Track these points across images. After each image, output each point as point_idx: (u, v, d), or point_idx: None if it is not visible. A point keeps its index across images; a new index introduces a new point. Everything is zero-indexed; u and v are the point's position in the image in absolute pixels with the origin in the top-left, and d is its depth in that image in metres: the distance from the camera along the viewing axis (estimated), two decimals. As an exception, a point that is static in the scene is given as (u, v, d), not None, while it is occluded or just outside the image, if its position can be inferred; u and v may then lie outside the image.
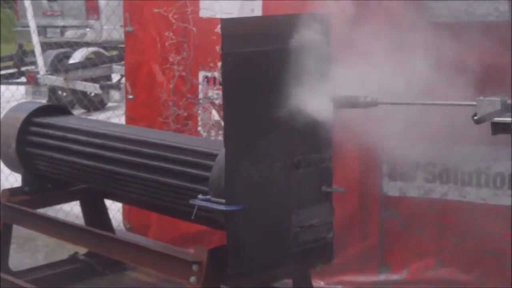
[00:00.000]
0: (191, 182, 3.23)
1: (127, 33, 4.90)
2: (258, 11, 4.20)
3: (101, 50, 10.75)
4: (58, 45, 10.52)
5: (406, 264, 3.90)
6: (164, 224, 4.69)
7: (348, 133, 2.83)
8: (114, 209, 4.95)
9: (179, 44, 4.59)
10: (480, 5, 3.45)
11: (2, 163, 4.36)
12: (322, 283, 4.08)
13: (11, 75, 10.23)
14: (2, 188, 4.31)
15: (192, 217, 3.06)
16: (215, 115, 4.49)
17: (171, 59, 4.64)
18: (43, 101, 8.64)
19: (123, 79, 7.25)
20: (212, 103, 4.50)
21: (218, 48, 4.23)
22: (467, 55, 3.14)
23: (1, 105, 6.63)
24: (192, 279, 3.05)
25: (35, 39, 9.07)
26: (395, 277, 3.94)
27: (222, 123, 3.59)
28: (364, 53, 2.70)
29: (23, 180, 4.20)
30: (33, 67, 9.93)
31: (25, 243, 5.13)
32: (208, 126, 4.53)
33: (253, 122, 2.87)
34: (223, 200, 2.89)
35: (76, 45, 10.77)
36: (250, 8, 4.23)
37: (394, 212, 3.90)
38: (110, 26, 10.06)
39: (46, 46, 10.19)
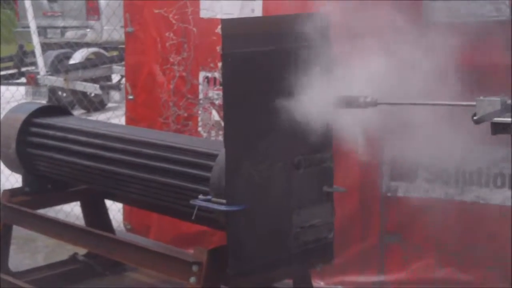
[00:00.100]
0: (192, 183, 3.22)
1: (127, 34, 4.90)
2: (258, 11, 4.19)
3: (102, 51, 10.74)
4: (59, 45, 10.53)
5: (406, 264, 3.90)
6: (164, 225, 4.68)
7: (348, 133, 2.83)
8: (115, 209, 4.94)
9: (180, 44, 4.59)
10: (480, 5, 3.45)
11: (2, 164, 4.35)
12: (322, 283, 4.08)
13: (11, 76, 10.24)
14: (2, 189, 4.30)
15: (193, 218, 3.06)
16: (215, 116, 4.48)
17: (171, 60, 4.63)
18: (43, 101, 8.64)
19: (123, 80, 7.24)
20: (212, 104, 4.50)
21: (218, 48, 4.23)
22: (467, 55, 3.14)
23: (1, 106, 6.63)
24: (192, 279, 3.04)
25: (36, 39, 9.07)
26: (395, 277, 3.93)
27: (222, 124, 3.58)
28: (364, 53, 2.70)
29: (24, 180, 4.19)
30: (33, 67, 9.94)
31: (25, 244, 5.12)
32: (209, 127, 4.53)
33: (253, 122, 2.87)
34: (224, 201, 2.88)
35: (76, 45, 10.77)
36: (250, 8, 4.23)
37: (395, 213, 3.90)
38: (111, 27, 10.07)
39: (46, 47, 10.19)
